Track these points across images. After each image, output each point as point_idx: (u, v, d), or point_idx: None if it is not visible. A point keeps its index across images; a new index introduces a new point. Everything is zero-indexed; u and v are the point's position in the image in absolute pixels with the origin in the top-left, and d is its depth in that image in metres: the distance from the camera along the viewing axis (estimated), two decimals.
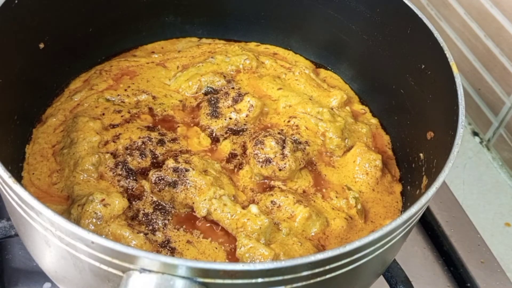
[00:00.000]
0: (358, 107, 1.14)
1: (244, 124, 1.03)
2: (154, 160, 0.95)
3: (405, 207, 0.98)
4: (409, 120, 1.03)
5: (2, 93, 0.87)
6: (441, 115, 0.89)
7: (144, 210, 0.88)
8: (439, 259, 1.10)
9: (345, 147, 1.02)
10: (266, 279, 0.61)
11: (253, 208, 0.87)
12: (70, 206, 0.87)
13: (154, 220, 0.88)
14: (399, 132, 1.07)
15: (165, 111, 1.05)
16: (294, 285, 0.64)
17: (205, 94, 1.08)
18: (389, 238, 0.69)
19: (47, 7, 0.98)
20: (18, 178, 0.92)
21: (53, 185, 0.92)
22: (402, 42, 1.02)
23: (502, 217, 1.26)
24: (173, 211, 0.90)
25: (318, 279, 0.65)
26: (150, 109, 1.05)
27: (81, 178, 0.91)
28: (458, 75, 0.86)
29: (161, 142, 0.97)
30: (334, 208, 0.94)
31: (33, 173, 0.93)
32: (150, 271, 0.60)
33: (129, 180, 0.92)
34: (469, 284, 1.06)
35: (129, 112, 1.02)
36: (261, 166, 0.93)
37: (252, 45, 1.23)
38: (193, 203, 0.89)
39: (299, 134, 1.01)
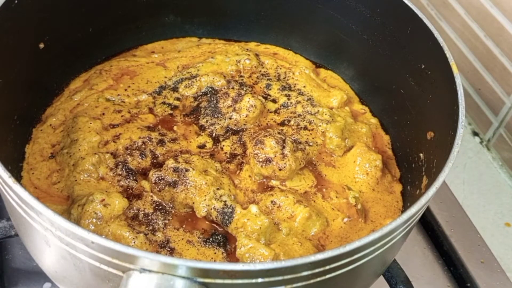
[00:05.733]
0: (358, 107, 1.14)
1: (244, 124, 1.03)
2: (154, 160, 0.95)
3: (405, 207, 0.98)
4: (409, 120, 1.03)
5: (2, 93, 0.87)
6: (441, 115, 0.89)
7: (144, 210, 0.88)
8: (439, 259, 1.10)
9: (345, 147, 1.02)
10: (266, 279, 0.61)
11: (253, 208, 0.87)
12: (70, 206, 0.87)
13: (154, 220, 0.88)
14: (399, 132, 1.07)
15: (165, 111, 1.05)
16: (294, 285, 0.64)
17: (205, 94, 1.08)
18: (389, 238, 0.69)
19: (47, 7, 0.98)
20: (18, 178, 0.92)
21: (53, 185, 0.92)
22: (402, 42, 1.02)
23: (502, 217, 1.26)
24: (173, 211, 0.90)
25: (318, 279, 0.65)
26: (150, 109, 1.05)
27: (81, 178, 0.91)
28: (458, 75, 0.86)
29: (161, 142, 0.97)
30: (334, 208, 0.94)
31: (33, 173, 0.93)
32: (150, 271, 0.60)
33: (129, 180, 0.92)
34: (469, 284, 1.06)
35: (129, 112, 1.02)
36: (261, 166, 0.93)
37: (252, 45, 1.23)
38: (193, 203, 0.89)
39: (299, 134, 1.01)
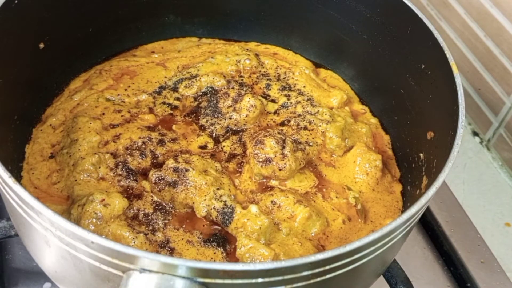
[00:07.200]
0: (358, 107, 1.14)
1: (244, 124, 1.03)
2: (154, 160, 0.95)
3: (405, 207, 0.98)
4: (409, 120, 1.03)
5: (2, 93, 0.87)
6: (441, 115, 0.89)
7: (144, 210, 0.88)
8: (439, 259, 1.10)
9: (345, 147, 1.02)
10: (266, 279, 0.61)
11: (253, 208, 0.87)
12: (70, 206, 0.87)
13: (154, 220, 0.88)
14: (399, 132, 1.07)
15: (165, 111, 1.05)
16: (294, 285, 0.64)
17: (205, 94, 1.08)
18: (389, 238, 0.69)
19: (47, 7, 0.98)
20: (18, 178, 0.92)
21: (53, 185, 0.92)
22: (402, 42, 1.02)
23: (502, 217, 1.26)
24: (173, 211, 0.90)
25: (318, 279, 0.65)
26: (150, 109, 1.05)
27: (81, 178, 0.91)
28: (458, 75, 0.86)
29: (161, 142, 0.97)
30: (334, 208, 0.94)
31: (33, 173, 0.93)
32: (150, 271, 0.60)
33: (129, 180, 0.92)
34: (469, 284, 1.06)
35: (129, 112, 1.02)
36: (261, 166, 0.93)
37: (252, 45, 1.23)
38: (193, 203, 0.89)
39: (299, 134, 1.01)
